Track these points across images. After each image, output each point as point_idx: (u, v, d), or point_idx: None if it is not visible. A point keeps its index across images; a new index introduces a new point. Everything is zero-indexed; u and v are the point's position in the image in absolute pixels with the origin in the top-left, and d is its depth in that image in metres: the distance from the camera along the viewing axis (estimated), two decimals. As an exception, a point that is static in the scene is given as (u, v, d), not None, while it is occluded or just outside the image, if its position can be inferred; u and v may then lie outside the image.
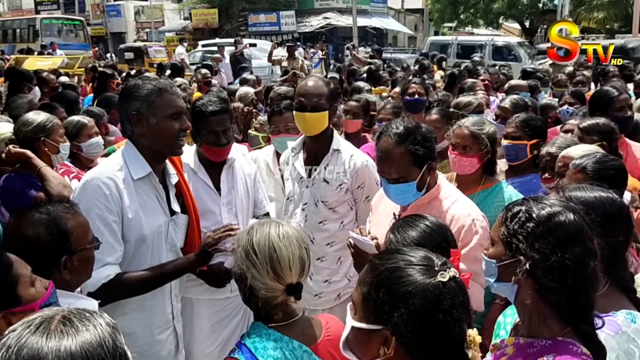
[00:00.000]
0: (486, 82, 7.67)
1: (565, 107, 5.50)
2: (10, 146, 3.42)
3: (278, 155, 3.82)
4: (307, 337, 1.95)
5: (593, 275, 1.52)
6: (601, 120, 3.78)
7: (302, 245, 1.95)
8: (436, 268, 1.41)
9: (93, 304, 2.06)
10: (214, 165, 3.15)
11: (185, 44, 21.39)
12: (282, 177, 3.73)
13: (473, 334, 1.42)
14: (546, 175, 3.27)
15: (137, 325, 2.55)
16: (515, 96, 5.22)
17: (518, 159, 3.51)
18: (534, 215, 1.54)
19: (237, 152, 3.31)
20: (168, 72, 11.47)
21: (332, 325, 2.06)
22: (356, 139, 4.72)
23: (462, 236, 2.46)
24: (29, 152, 3.33)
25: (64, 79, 9.80)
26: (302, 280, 1.93)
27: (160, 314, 2.64)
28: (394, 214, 2.64)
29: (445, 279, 1.38)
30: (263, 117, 5.24)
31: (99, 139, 4.12)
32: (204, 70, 9.36)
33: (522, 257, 1.54)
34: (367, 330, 1.43)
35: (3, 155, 3.39)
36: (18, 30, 31.25)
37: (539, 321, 1.58)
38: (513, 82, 7.61)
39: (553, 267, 1.50)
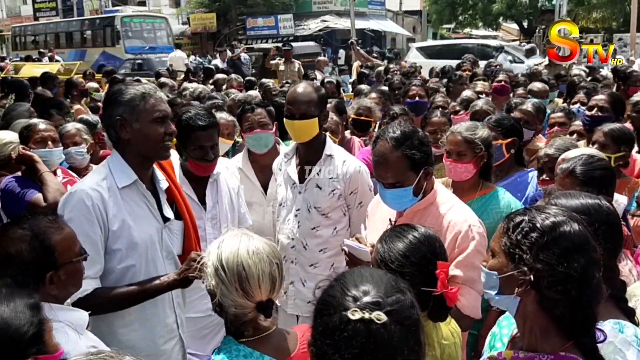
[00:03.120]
0: (503, 83, 7.14)
1: (577, 105, 5.47)
2: (20, 147, 3.49)
3: (250, 157, 3.76)
4: (280, 352, 1.90)
5: (597, 286, 1.48)
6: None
7: (273, 261, 1.87)
8: (358, 302, 1.30)
9: (83, 316, 2.02)
10: (199, 178, 3.12)
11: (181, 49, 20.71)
12: (258, 179, 3.72)
13: None
14: (544, 177, 3.24)
15: (139, 336, 2.51)
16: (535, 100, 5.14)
17: (496, 160, 3.50)
18: (538, 225, 1.51)
19: (221, 165, 3.28)
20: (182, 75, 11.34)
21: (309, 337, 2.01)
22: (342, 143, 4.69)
23: (459, 242, 2.43)
24: (35, 157, 3.40)
25: (92, 84, 9.73)
26: (273, 297, 1.87)
27: (162, 324, 2.58)
28: (390, 220, 2.61)
29: (353, 317, 1.27)
30: None
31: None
32: (235, 76, 9.26)
33: (525, 268, 1.49)
34: None
35: (13, 156, 3.45)
36: (90, 32, 26.16)
37: (540, 335, 1.54)
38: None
39: (558, 279, 1.46)
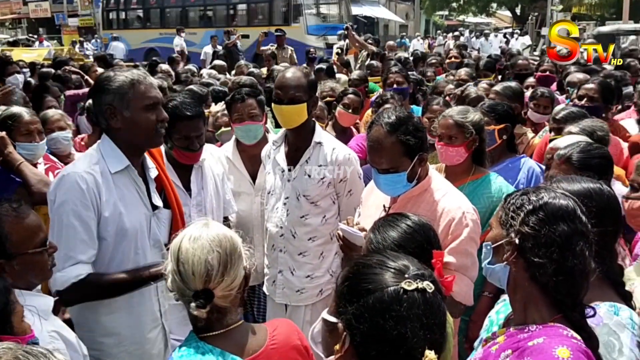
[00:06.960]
0: (547, 73, 6.61)
1: None
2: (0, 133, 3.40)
3: (239, 146, 3.72)
4: (244, 348, 1.79)
5: (581, 256, 1.53)
6: (574, 108, 3.84)
7: (213, 249, 1.73)
8: (406, 275, 1.34)
9: (48, 302, 2.00)
10: (184, 165, 3.11)
11: (183, 34, 17.84)
12: (246, 168, 3.68)
13: (431, 355, 1.30)
14: None
15: (125, 324, 2.49)
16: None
17: (488, 145, 3.49)
18: (530, 197, 1.60)
19: (206, 151, 3.25)
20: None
21: (281, 332, 1.90)
22: (343, 134, 4.67)
23: (452, 229, 2.43)
24: (9, 147, 3.26)
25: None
26: (211, 287, 1.72)
27: (148, 312, 2.57)
28: (384, 206, 2.61)
29: (409, 288, 1.31)
30: None
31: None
32: (244, 62, 9.23)
33: (513, 235, 1.57)
34: (329, 323, 1.45)
35: None
36: (245, 7, 20.14)
37: (529, 306, 1.60)
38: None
39: (541, 242, 1.53)
